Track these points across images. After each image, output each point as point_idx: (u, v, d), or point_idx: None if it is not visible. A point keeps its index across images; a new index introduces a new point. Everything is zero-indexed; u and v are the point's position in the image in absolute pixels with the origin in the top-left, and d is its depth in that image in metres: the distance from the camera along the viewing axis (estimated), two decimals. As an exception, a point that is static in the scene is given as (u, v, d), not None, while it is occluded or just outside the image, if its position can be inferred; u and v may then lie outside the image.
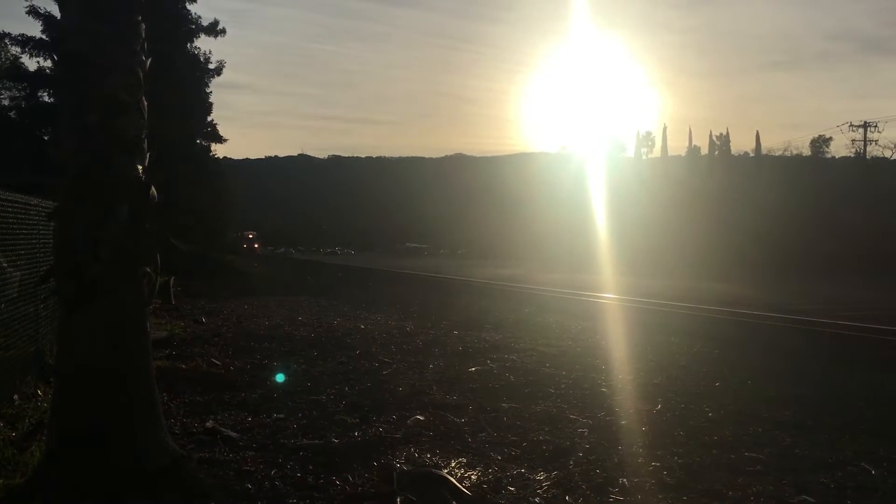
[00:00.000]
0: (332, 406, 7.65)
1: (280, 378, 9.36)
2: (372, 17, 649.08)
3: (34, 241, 8.52)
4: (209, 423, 6.70)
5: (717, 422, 7.12)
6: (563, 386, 8.80)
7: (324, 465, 5.61)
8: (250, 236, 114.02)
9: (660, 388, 8.76)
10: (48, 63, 30.52)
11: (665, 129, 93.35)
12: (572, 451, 6.04)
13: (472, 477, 5.40)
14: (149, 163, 4.98)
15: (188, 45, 36.31)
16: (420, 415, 7.22)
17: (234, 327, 14.77)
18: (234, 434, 6.40)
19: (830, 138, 75.47)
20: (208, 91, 39.59)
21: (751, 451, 6.11)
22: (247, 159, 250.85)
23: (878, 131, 62.33)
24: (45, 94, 32.01)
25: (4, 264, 7.57)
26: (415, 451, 6.03)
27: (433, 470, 5.45)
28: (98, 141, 4.65)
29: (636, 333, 13.88)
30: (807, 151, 75.55)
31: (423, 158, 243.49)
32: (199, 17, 35.97)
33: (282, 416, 7.19)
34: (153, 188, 4.92)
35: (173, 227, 31.84)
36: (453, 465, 5.68)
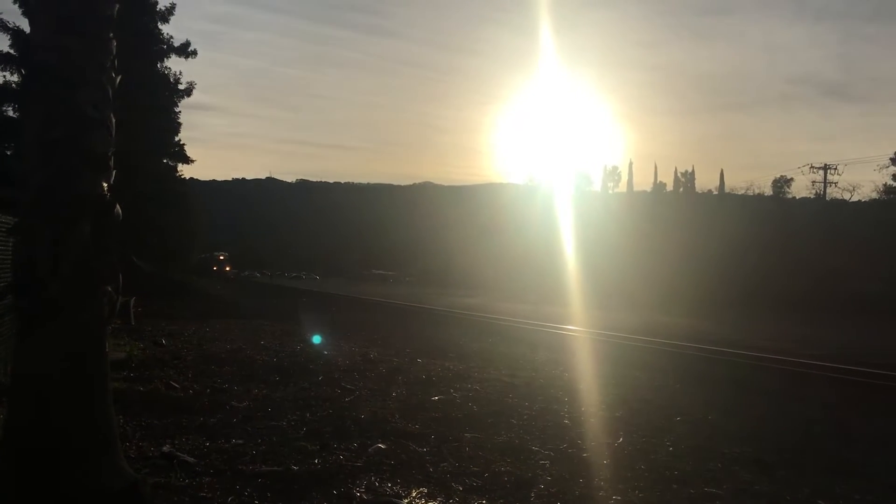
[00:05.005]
0: (292, 432, 7.55)
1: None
2: (345, 44, 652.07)
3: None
4: (166, 448, 6.56)
5: (677, 456, 7.14)
6: (525, 417, 8.79)
7: (282, 492, 5.52)
8: (221, 258, 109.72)
9: (622, 421, 8.78)
10: (15, 77, 30.11)
11: (631, 164, 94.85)
12: (534, 483, 6.01)
13: (433, 507, 5.35)
14: (114, 180, 4.92)
15: (159, 64, 36.10)
16: (382, 443, 7.15)
17: (195, 350, 14.54)
18: (190, 459, 6.27)
19: (791, 179, 77.12)
20: (177, 111, 39.37)
21: (710, 486, 6.14)
22: (214, 181, 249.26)
23: (838, 174, 63.93)
24: (10, 108, 31.56)
25: None
26: (375, 479, 5.96)
27: (393, 499, 5.39)
28: (64, 156, 4.59)
29: (600, 366, 13.92)
30: (769, 191, 77.04)
31: (391, 186, 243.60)
32: (171, 37, 35.76)
33: (241, 441, 7.07)
34: (118, 206, 4.86)
35: (137, 246, 31.43)
36: (414, 494, 5.62)
